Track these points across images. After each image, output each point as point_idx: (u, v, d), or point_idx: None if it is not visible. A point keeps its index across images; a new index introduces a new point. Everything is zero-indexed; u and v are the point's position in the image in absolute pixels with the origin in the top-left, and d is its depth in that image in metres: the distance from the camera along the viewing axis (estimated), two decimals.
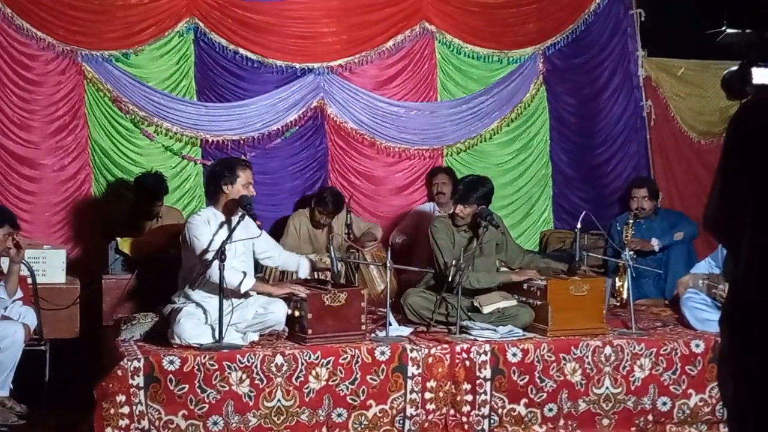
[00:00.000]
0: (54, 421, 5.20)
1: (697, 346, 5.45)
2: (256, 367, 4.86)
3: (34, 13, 6.67)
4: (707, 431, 5.45)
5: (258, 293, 5.26)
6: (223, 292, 4.88)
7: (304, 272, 5.57)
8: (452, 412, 5.17)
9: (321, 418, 4.96)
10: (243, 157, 6.98)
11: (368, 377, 5.02)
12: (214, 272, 4.94)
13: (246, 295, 5.18)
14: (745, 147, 2.04)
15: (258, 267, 5.67)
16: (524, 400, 5.24)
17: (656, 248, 6.84)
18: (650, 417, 5.40)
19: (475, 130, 7.67)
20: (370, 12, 7.42)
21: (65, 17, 6.75)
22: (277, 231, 6.84)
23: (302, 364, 4.93)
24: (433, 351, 5.14)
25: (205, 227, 5.14)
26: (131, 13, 6.89)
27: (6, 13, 6.62)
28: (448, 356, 5.15)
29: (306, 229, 6.91)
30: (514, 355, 5.23)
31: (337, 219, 6.92)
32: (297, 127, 7.31)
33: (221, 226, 5.15)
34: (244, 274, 5.12)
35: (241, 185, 5.21)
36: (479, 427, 5.18)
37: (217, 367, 4.80)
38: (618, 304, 6.41)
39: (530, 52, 7.76)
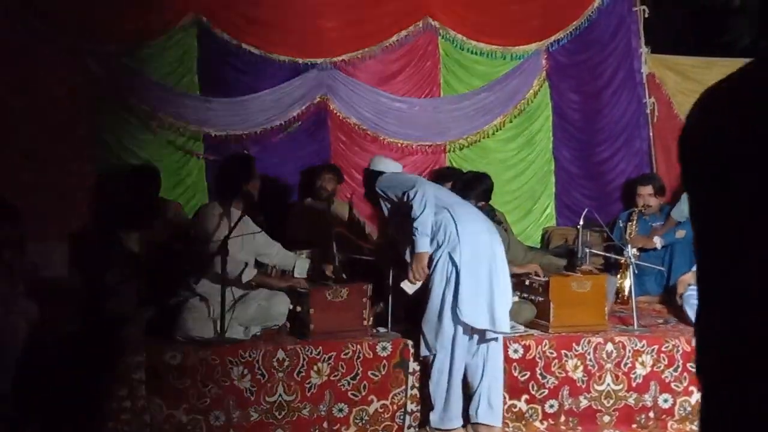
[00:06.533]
0: (55, 416, 5.20)
1: None
2: (257, 362, 4.86)
3: (40, 8, 6.67)
4: None
5: (260, 285, 5.26)
6: (225, 286, 4.90)
7: (300, 272, 5.57)
8: None
9: (322, 413, 4.97)
10: (245, 151, 6.99)
11: (370, 373, 5.03)
12: (216, 265, 4.96)
13: (248, 286, 5.19)
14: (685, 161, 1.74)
15: (259, 264, 5.66)
16: (525, 396, 5.25)
17: (658, 246, 6.83)
18: (651, 414, 5.40)
19: (478, 126, 7.66)
20: (373, 7, 7.41)
21: (70, 12, 6.74)
22: (277, 224, 6.82)
23: (304, 359, 4.94)
24: None
25: (215, 219, 5.18)
26: (135, 8, 6.89)
27: (11, 8, 6.62)
28: None
29: (305, 218, 6.89)
30: (516, 351, 5.23)
31: (339, 213, 6.91)
32: (300, 122, 7.30)
33: (228, 221, 5.17)
34: (246, 264, 5.13)
35: (257, 180, 5.36)
36: None
37: (218, 361, 4.81)
38: (620, 301, 6.40)
39: (534, 49, 7.74)
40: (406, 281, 5.03)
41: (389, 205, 5.20)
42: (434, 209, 4.95)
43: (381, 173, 5.30)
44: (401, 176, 5.25)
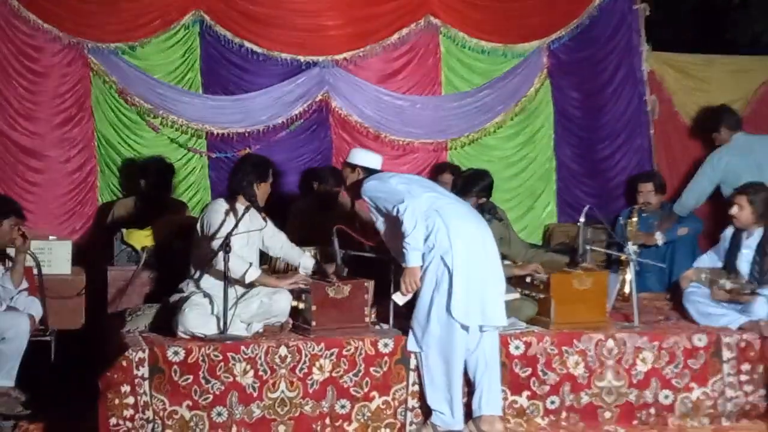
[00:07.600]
0: (59, 412, 5.22)
1: (700, 340, 5.48)
2: (260, 358, 4.88)
3: (40, 5, 6.68)
4: (709, 425, 5.47)
5: (262, 285, 5.28)
6: (227, 283, 4.91)
7: (305, 270, 5.59)
8: None
9: (324, 409, 4.99)
10: (248, 149, 7.01)
11: (371, 369, 5.05)
12: (219, 262, 4.98)
13: (251, 285, 5.20)
14: None
15: (262, 259, 5.68)
16: (526, 393, 5.27)
17: (660, 242, 6.84)
18: (652, 410, 5.42)
19: (480, 124, 7.67)
20: (375, 5, 7.41)
21: (71, 9, 6.75)
22: (279, 223, 6.83)
23: (306, 355, 4.96)
24: None
25: (222, 216, 5.20)
26: (137, 6, 6.90)
27: (12, 5, 6.63)
28: None
29: (307, 218, 6.90)
30: (517, 347, 5.25)
31: (341, 209, 6.91)
32: (302, 120, 7.31)
33: (234, 218, 5.19)
34: (250, 264, 5.15)
35: (269, 185, 5.42)
36: None
37: (221, 358, 4.83)
38: (621, 298, 6.41)
39: (535, 46, 7.74)
40: (398, 293, 5.09)
41: (379, 214, 5.25)
42: (425, 216, 4.99)
43: (362, 168, 5.38)
44: (388, 185, 5.19)
